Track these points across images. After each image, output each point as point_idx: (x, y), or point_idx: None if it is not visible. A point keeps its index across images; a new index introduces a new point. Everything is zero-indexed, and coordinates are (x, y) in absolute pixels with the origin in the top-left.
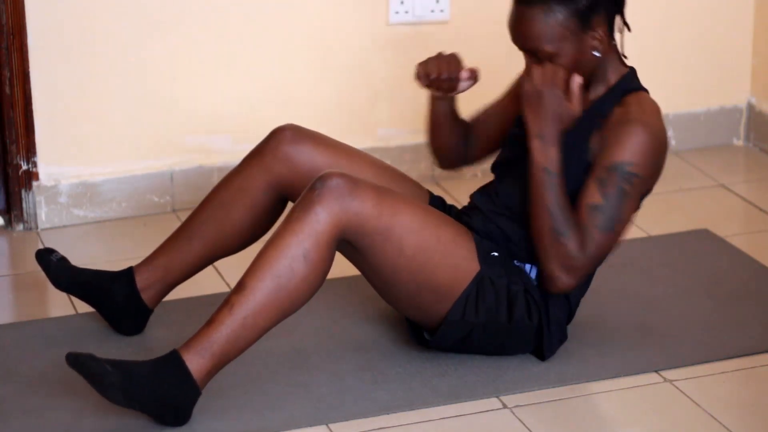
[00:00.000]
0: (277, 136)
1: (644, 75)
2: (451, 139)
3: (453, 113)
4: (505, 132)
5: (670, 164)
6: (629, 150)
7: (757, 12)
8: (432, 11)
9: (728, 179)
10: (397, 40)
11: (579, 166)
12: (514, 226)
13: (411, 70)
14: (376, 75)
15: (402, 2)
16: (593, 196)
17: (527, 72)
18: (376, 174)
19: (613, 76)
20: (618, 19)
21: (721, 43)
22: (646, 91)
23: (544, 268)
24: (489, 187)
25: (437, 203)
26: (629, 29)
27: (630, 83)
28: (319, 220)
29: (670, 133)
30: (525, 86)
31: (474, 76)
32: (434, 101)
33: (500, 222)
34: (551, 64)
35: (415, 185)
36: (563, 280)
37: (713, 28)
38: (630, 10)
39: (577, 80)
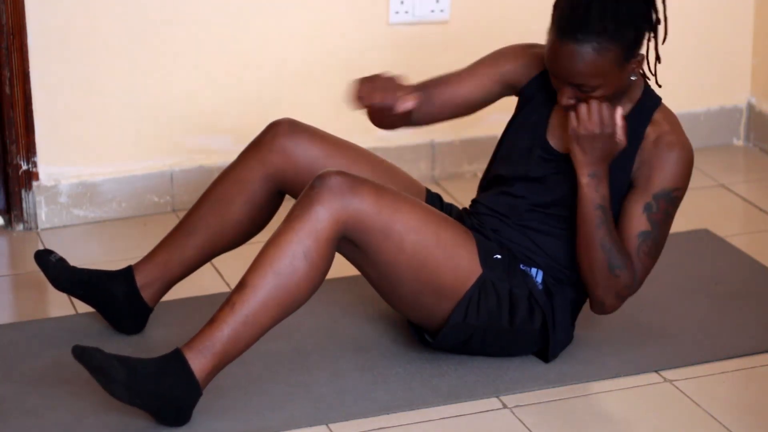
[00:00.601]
0: (273, 128)
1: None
2: (395, 122)
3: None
4: (467, 104)
5: None
6: (675, 176)
7: (757, 12)
8: (432, 11)
9: (728, 179)
10: (397, 40)
11: (619, 190)
12: (537, 237)
13: (411, 70)
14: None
15: (402, 2)
16: (642, 224)
17: (564, 105)
18: (371, 168)
19: (635, 90)
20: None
21: (721, 43)
22: (660, 98)
23: (594, 296)
24: (503, 198)
25: (435, 201)
26: (659, 61)
27: (652, 97)
28: (320, 218)
29: None
30: (575, 129)
31: (411, 107)
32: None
33: (519, 233)
34: (597, 102)
35: (412, 181)
36: (614, 305)
37: (713, 28)
38: None
39: (620, 113)
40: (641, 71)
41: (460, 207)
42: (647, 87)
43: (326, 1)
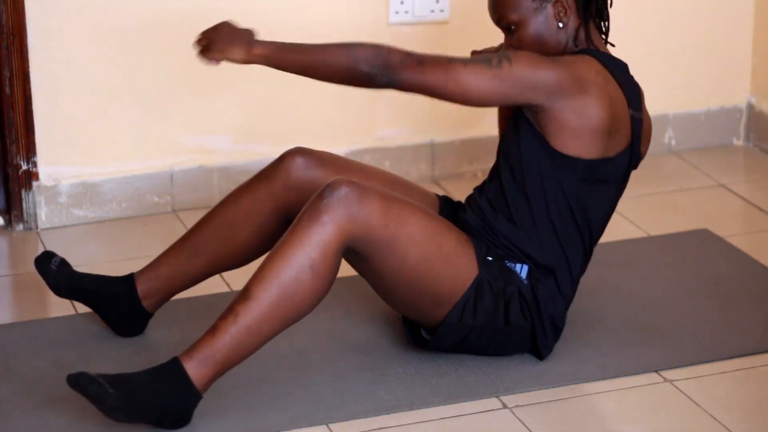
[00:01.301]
0: (287, 162)
1: (644, 75)
2: None
3: None
4: None
5: (670, 164)
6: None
7: (757, 12)
8: (432, 11)
9: (728, 179)
10: (397, 40)
11: (538, 145)
12: (499, 222)
13: None
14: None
15: (402, 2)
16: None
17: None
18: (386, 187)
19: (571, 46)
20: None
21: (721, 43)
22: (594, 53)
23: (357, 74)
24: (494, 182)
25: (446, 205)
26: (604, 19)
27: (589, 51)
28: (327, 231)
29: (670, 132)
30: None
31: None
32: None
33: (489, 218)
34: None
35: (424, 194)
36: (375, 72)
37: (713, 28)
38: (631, 10)
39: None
40: (568, 22)
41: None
42: (597, 48)
43: (326, 1)
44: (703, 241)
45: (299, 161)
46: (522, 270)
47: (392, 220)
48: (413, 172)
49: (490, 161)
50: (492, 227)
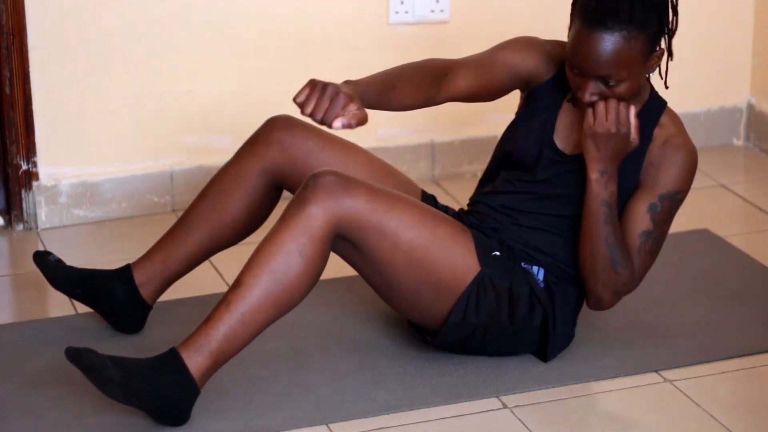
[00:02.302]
0: (269, 124)
1: None
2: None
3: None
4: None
5: None
6: (680, 178)
7: (757, 12)
8: (432, 11)
9: (728, 179)
10: (397, 40)
11: (627, 190)
12: (531, 227)
13: None
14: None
15: (402, 2)
16: (645, 223)
17: (587, 101)
18: (367, 163)
19: (645, 92)
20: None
21: (721, 43)
22: (666, 102)
23: (592, 291)
24: (505, 197)
25: (430, 202)
26: (671, 57)
27: (658, 98)
28: (314, 216)
29: None
30: (592, 126)
31: (352, 125)
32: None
33: (522, 232)
34: (615, 101)
35: (406, 180)
36: (611, 302)
37: (713, 28)
38: None
39: (634, 112)
40: (659, 68)
41: (457, 208)
42: (653, 90)
43: (326, 1)
44: (703, 241)
45: (280, 121)
46: (539, 273)
47: (379, 205)
48: (413, 172)
49: None
50: (522, 234)
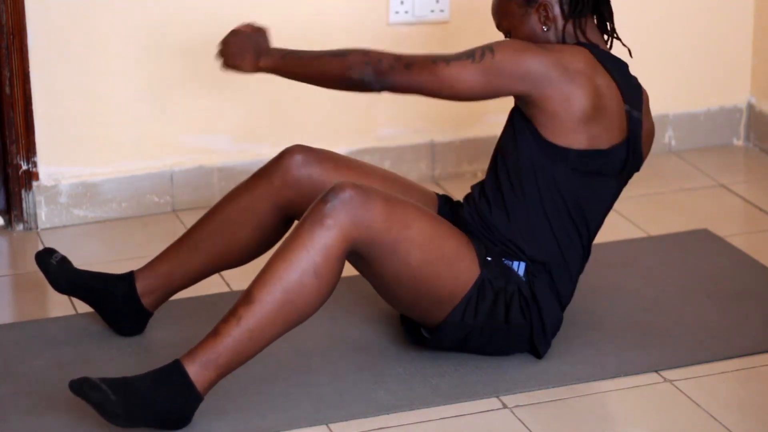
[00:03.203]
0: (286, 159)
1: (644, 75)
2: None
3: None
4: None
5: (670, 164)
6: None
7: (757, 12)
8: (432, 11)
9: (728, 179)
10: (397, 40)
11: (530, 137)
12: (495, 217)
13: None
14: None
15: (402, 2)
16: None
17: None
18: (386, 187)
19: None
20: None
21: (721, 43)
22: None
23: (352, 81)
24: (491, 178)
25: (444, 204)
26: (606, 18)
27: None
28: (331, 235)
29: (670, 132)
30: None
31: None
32: None
33: (485, 214)
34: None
35: (424, 194)
36: (367, 78)
37: (713, 28)
38: (630, 10)
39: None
40: (553, 24)
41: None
42: (579, 44)
43: (326, 1)
44: (703, 241)
45: (298, 158)
46: (519, 267)
47: (395, 223)
48: (413, 172)
49: None
50: (488, 223)
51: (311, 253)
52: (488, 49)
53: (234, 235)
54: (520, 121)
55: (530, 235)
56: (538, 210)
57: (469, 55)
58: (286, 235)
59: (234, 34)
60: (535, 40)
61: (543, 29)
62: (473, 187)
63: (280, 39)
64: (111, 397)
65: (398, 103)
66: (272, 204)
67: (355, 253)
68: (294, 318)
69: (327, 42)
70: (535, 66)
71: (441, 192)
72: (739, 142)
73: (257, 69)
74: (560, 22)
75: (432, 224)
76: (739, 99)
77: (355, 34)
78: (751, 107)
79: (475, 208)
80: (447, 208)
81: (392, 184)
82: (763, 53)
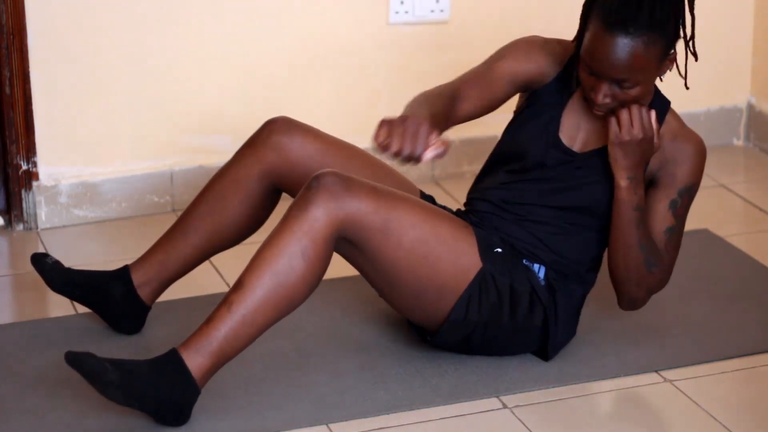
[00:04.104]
0: (268, 126)
1: None
2: None
3: None
4: (482, 111)
5: None
6: (694, 170)
7: (757, 12)
8: (432, 11)
9: (728, 179)
10: (397, 40)
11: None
12: (530, 223)
13: (411, 70)
14: (376, 75)
15: (402, 2)
16: (668, 220)
17: (601, 102)
18: (367, 166)
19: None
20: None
21: (721, 43)
22: (668, 101)
23: (627, 293)
24: (512, 193)
25: (425, 199)
26: (696, 58)
27: (662, 98)
28: (316, 218)
29: None
30: (618, 134)
31: (442, 154)
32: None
33: (524, 228)
34: (637, 107)
35: (406, 182)
36: (645, 300)
37: (713, 28)
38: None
39: (654, 115)
40: (678, 69)
41: (455, 209)
42: (657, 89)
43: (326, 1)
44: (703, 241)
45: (279, 124)
46: (540, 270)
47: (382, 205)
48: (413, 172)
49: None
50: (524, 230)
51: (298, 236)
52: (683, 197)
53: (222, 208)
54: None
55: (567, 249)
56: (581, 231)
57: (676, 232)
58: (275, 227)
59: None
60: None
61: (661, 78)
62: (478, 198)
63: (279, 38)
64: (107, 367)
65: (398, 103)
66: (257, 171)
67: (348, 243)
68: (285, 303)
69: (327, 41)
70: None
71: (440, 192)
72: (739, 142)
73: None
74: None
75: (420, 206)
76: (739, 99)
77: (355, 34)
78: (751, 107)
79: (504, 212)
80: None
81: (373, 164)
82: (763, 53)
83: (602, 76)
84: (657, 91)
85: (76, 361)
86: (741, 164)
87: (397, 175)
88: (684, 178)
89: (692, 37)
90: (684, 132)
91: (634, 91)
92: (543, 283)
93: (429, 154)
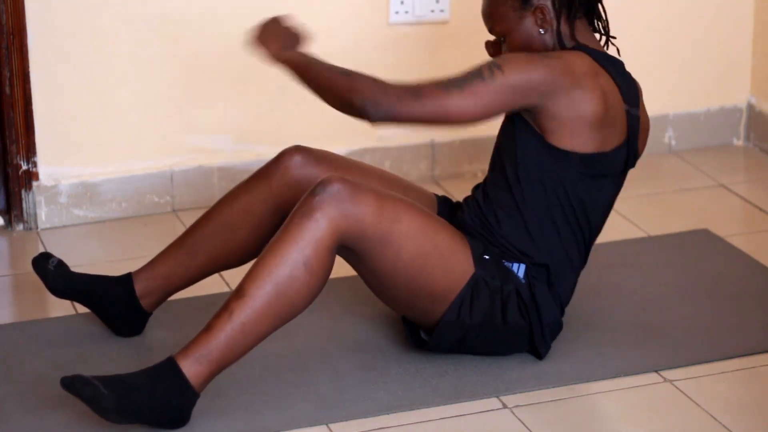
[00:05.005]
0: (285, 160)
1: (644, 75)
2: None
3: None
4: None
5: (670, 164)
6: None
7: (757, 12)
8: (432, 11)
9: (728, 179)
10: (397, 40)
11: (535, 141)
12: (496, 219)
13: (411, 70)
14: (376, 75)
15: (402, 2)
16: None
17: (490, 55)
18: (383, 186)
19: (543, 48)
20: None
21: (721, 43)
22: (585, 50)
23: (353, 106)
24: (486, 181)
25: (444, 204)
26: (598, 17)
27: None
28: (320, 227)
29: (670, 132)
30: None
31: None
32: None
33: (486, 216)
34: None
35: (423, 194)
36: (369, 107)
37: (713, 28)
38: (630, 10)
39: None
40: (550, 27)
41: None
42: (577, 47)
43: (326, 1)
44: (703, 241)
45: (297, 159)
46: (519, 269)
47: (386, 216)
48: (413, 172)
49: None
50: (489, 225)
51: (301, 246)
52: (495, 66)
53: (232, 236)
54: (523, 126)
55: (532, 237)
56: (542, 212)
57: (478, 76)
58: (277, 234)
59: (274, 21)
60: (531, 44)
61: (540, 32)
62: (474, 189)
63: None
64: (102, 391)
65: None
66: (270, 205)
67: (348, 249)
68: (285, 311)
69: (326, 41)
70: (545, 76)
71: (441, 192)
72: (739, 142)
73: (278, 58)
74: (554, 24)
75: (423, 218)
76: (739, 99)
77: (355, 34)
78: (751, 107)
79: (475, 209)
80: (446, 209)
81: (390, 184)
82: (763, 53)
83: (490, 33)
84: (605, 54)
85: (72, 387)
86: (741, 164)
87: (412, 188)
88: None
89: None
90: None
91: (508, 44)
92: (524, 281)
93: None
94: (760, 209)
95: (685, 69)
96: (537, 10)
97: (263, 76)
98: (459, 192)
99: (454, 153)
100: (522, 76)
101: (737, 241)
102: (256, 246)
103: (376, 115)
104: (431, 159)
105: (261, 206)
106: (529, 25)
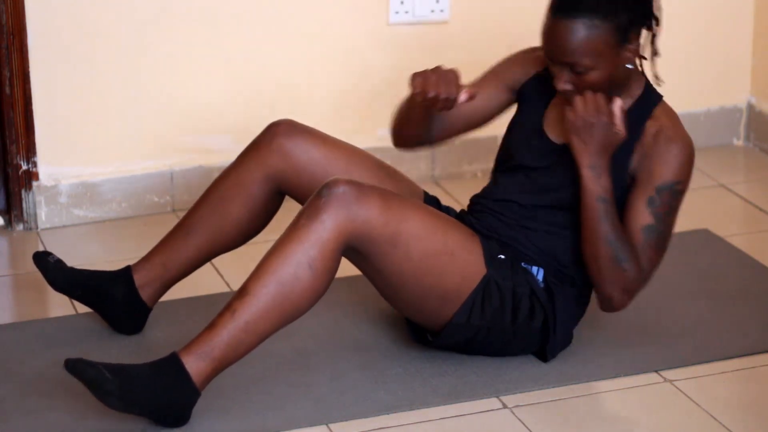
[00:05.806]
0: (272, 129)
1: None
2: (418, 131)
3: (429, 114)
4: (479, 118)
5: None
6: (676, 169)
7: (757, 12)
8: (432, 11)
9: (728, 179)
10: (397, 40)
11: (620, 185)
12: (536, 235)
13: (411, 70)
14: (376, 75)
15: (402, 2)
16: (645, 217)
17: (561, 89)
18: (371, 169)
19: (636, 87)
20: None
21: (721, 43)
22: (661, 96)
23: (602, 291)
24: (502, 193)
25: (432, 203)
26: (657, 54)
27: (653, 93)
28: (326, 228)
29: None
30: (570, 117)
31: (472, 98)
32: (415, 98)
33: (519, 232)
34: (592, 92)
35: (410, 183)
36: (622, 301)
37: (713, 28)
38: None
39: (618, 103)
40: (639, 65)
41: (458, 209)
42: (649, 85)
43: (326, 2)
44: (703, 241)
45: (283, 127)
46: (538, 273)
47: (392, 217)
48: (413, 172)
49: (490, 161)
50: (520, 233)
51: (306, 247)
52: (679, 193)
53: (225, 211)
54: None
55: (571, 250)
56: (572, 227)
57: (675, 210)
58: (282, 234)
59: (435, 70)
60: (614, 80)
61: (627, 67)
62: (478, 201)
63: (279, 38)
64: (106, 376)
65: (398, 102)
66: (260, 174)
67: (356, 251)
68: (289, 312)
69: (326, 41)
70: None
71: (440, 192)
72: (739, 142)
73: (589, 171)
74: (637, 55)
75: (431, 217)
76: (739, 99)
77: (355, 34)
78: (751, 107)
79: (505, 216)
80: (434, 205)
81: (378, 167)
82: (763, 53)
83: (555, 60)
84: (648, 87)
85: (75, 369)
86: (741, 164)
87: (400, 176)
88: (662, 175)
89: (655, 30)
90: (671, 130)
91: (591, 77)
92: (542, 285)
93: (463, 96)
94: (760, 209)
95: (684, 69)
96: (632, 48)
97: (263, 76)
98: (459, 192)
99: (454, 153)
100: (682, 196)
101: (737, 241)
102: (249, 220)
103: (621, 307)
104: (431, 159)
105: (249, 176)
106: (619, 61)
